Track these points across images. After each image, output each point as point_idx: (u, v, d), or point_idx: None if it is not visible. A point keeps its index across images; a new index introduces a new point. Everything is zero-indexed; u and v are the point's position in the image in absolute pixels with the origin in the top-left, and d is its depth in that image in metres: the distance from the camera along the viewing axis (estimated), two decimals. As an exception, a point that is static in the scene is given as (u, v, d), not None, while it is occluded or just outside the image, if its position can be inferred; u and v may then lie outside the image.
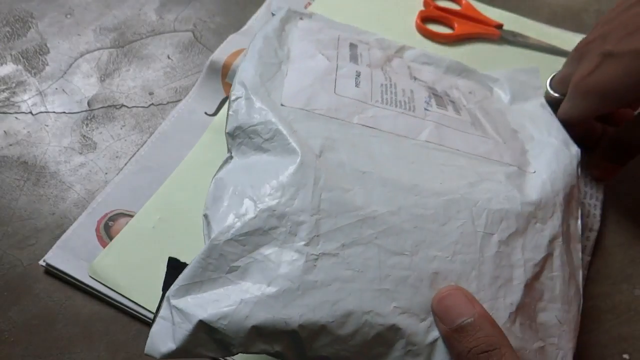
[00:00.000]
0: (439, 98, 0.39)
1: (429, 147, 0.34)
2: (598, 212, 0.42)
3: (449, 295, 0.27)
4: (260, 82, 0.35)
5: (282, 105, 0.34)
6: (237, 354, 0.29)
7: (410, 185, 0.31)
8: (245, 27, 0.53)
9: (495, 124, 0.39)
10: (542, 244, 0.31)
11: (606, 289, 0.39)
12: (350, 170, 0.31)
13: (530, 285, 0.30)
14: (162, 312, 0.28)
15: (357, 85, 0.37)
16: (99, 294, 0.38)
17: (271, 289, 0.27)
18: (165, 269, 0.29)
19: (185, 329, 0.26)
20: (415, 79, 0.41)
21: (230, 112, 0.34)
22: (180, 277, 0.28)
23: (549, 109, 0.42)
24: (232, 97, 0.34)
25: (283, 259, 0.27)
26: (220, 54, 0.49)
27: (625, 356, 0.37)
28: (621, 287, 0.39)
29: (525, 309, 0.29)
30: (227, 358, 0.35)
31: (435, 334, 0.27)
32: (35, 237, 0.41)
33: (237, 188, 0.30)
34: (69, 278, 0.39)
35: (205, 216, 0.31)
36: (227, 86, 0.48)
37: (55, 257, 0.39)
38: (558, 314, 0.30)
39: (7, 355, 0.36)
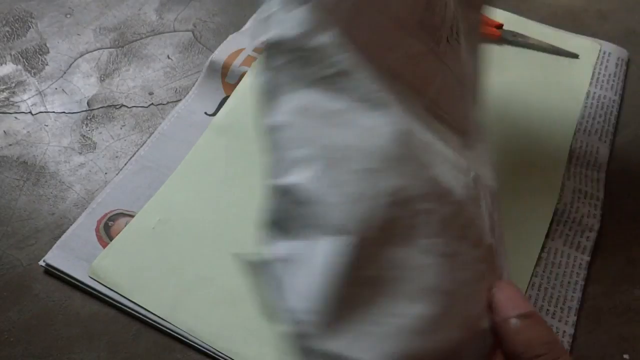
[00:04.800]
0: None
1: None
2: (598, 212, 0.42)
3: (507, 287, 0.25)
4: None
5: None
6: None
7: None
8: (245, 27, 0.53)
9: None
10: None
11: (606, 289, 0.39)
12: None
13: None
14: None
15: None
16: (99, 294, 0.38)
17: None
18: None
19: None
20: None
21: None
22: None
23: None
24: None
25: None
26: (220, 54, 0.49)
27: (626, 356, 0.37)
28: (621, 287, 0.39)
29: None
30: None
31: None
32: (35, 237, 0.41)
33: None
34: (68, 278, 0.39)
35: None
36: (227, 86, 0.48)
37: (55, 257, 0.39)
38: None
39: (7, 355, 0.36)
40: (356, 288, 0.21)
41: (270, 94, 0.24)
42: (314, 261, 0.21)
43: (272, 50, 0.23)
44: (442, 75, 0.28)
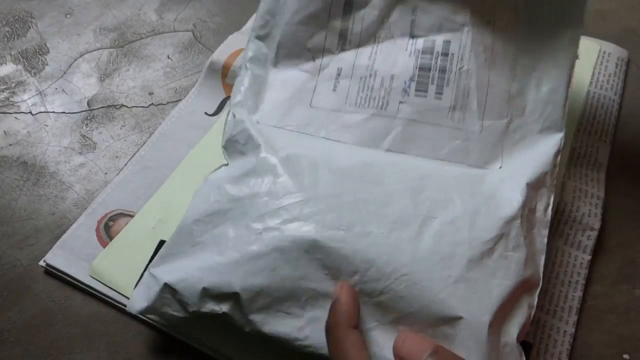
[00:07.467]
0: (424, 74, 0.37)
1: (387, 156, 0.36)
2: (599, 211, 0.42)
3: (406, 339, 0.29)
4: (246, 96, 0.38)
5: (257, 122, 0.37)
6: (193, 313, 0.32)
7: (359, 174, 0.34)
8: (245, 27, 0.53)
9: (490, 88, 0.37)
10: (494, 225, 0.33)
11: (606, 289, 0.39)
12: (305, 161, 0.34)
13: (478, 261, 0.32)
14: (143, 278, 0.34)
15: (334, 89, 0.38)
16: (99, 294, 0.38)
17: (221, 258, 0.32)
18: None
19: (154, 290, 0.33)
20: (413, 37, 0.38)
21: (224, 128, 0.38)
22: (160, 250, 0.34)
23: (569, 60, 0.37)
24: (227, 115, 0.38)
25: (234, 234, 0.32)
26: (220, 54, 0.49)
27: (626, 356, 0.37)
28: (621, 287, 0.39)
29: (471, 283, 0.31)
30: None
31: None
32: (35, 237, 0.41)
33: (217, 181, 0.35)
34: (68, 278, 0.39)
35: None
36: (227, 86, 0.48)
37: (55, 257, 0.39)
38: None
39: (7, 355, 0.36)
40: (179, 246, 0.34)
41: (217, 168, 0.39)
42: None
43: (226, 145, 0.38)
44: None
